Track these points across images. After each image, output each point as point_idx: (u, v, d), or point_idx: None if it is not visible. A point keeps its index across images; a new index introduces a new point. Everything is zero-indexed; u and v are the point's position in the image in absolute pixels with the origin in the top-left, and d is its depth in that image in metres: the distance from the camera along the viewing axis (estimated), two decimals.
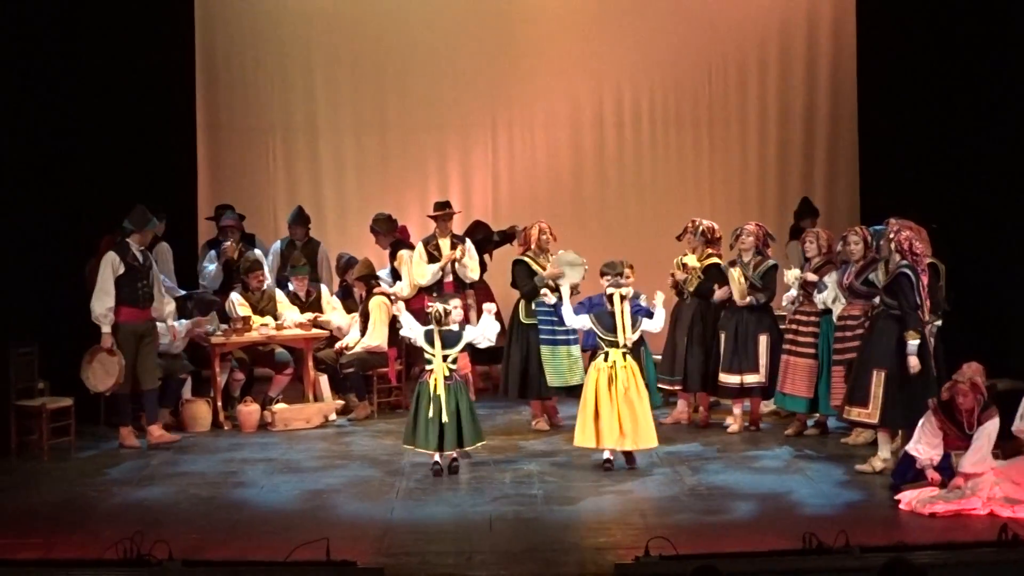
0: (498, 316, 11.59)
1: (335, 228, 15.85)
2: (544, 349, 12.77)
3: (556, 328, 12.70)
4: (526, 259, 12.91)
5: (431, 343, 10.93)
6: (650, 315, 11.41)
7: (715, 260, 12.90)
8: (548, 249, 12.89)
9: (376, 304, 13.64)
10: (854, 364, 11.15)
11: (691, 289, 12.85)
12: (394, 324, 13.08)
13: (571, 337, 12.71)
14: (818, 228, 12.89)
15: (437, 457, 10.92)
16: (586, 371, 11.57)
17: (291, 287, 13.98)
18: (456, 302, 11.32)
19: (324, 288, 14.22)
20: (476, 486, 10.61)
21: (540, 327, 12.81)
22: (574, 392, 12.53)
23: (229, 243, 14.20)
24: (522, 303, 12.92)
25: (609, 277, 11.41)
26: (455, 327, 11.04)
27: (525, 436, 12.63)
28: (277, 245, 14.78)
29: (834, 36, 16.62)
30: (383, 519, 9.68)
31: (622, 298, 11.04)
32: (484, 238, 14.91)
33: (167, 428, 12.81)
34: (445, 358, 10.90)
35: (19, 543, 8.99)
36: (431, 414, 10.82)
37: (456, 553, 8.76)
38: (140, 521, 9.24)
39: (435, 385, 10.85)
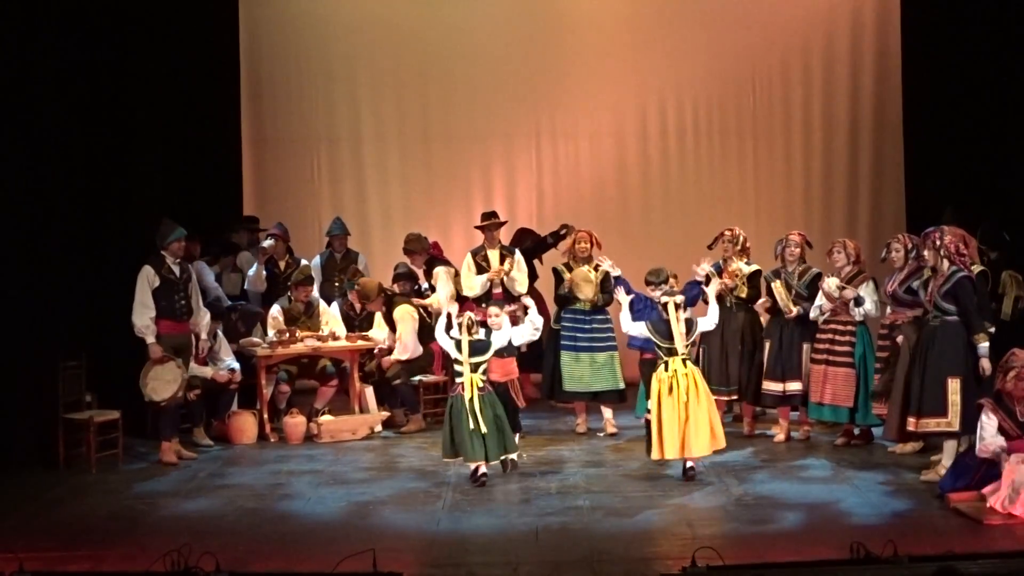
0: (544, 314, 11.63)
1: (380, 239, 15.88)
2: (564, 355, 13.04)
3: (578, 335, 12.99)
4: (559, 267, 13.20)
5: (459, 351, 10.95)
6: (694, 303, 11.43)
7: (756, 267, 12.96)
8: (586, 257, 13.03)
9: (400, 315, 13.63)
10: (910, 374, 11.04)
11: (743, 296, 12.81)
12: (424, 326, 13.17)
13: (597, 344, 12.85)
14: (844, 238, 12.81)
15: (484, 468, 10.91)
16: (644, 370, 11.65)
17: (350, 298, 13.96)
18: (495, 309, 11.42)
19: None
20: (522, 497, 10.59)
21: (562, 334, 13.07)
22: (601, 398, 12.94)
23: (271, 242, 14.30)
24: (555, 312, 13.30)
25: (654, 286, 11.42)
26: (483, 335, 11.07)
27: (571, 446, 12.61)
28: (317, 259, 14.78)
29: (878, 44, 16.58)
30: (429, 530, 9.67)
31: (676, 306, 11.02)
32: (533, 245, 14.93)
33: (214, 439, 12.96)
34: (475, 368, 10.91)
35: (68, 555, 9.01)
36: (471, 426, 10.82)
37: (502, 564, 8.72)
38: (187, 533, 9.26)
39: (469, 397, 10.86)
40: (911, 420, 10.95)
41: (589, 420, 13.32)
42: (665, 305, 11.07)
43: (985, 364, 10.63)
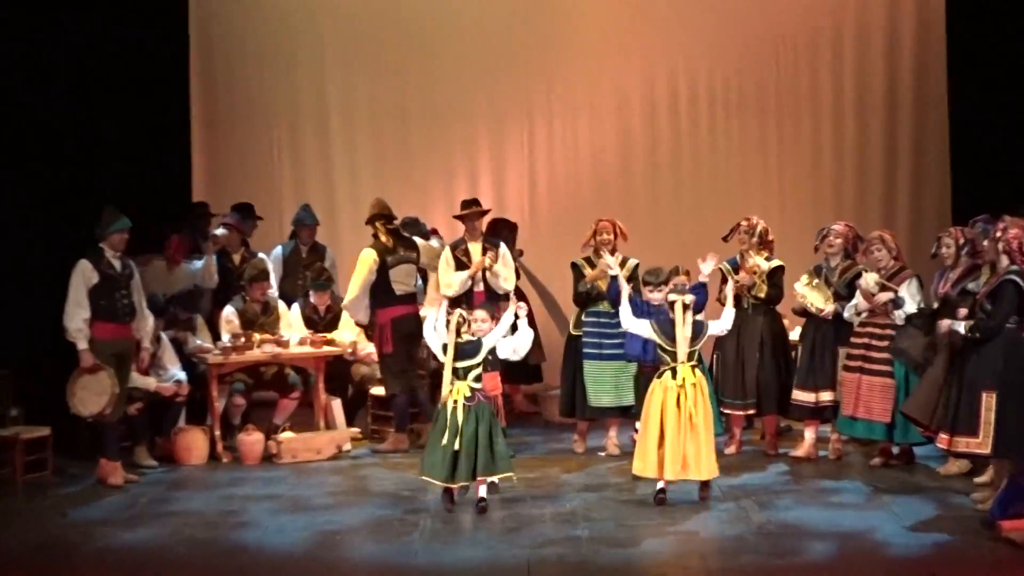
0: (532, 322, 11.50)
1: (350, 232, 15.77)
2: (588, 365, 12.98)
3: (604, 342, 12.93)
4: (579, 262, 13.13)
5: (445, 354, 10.91)
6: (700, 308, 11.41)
7: (779, 263, 12.94)
8: (610, 251, 12.89)
9: (361, 257, 13.45)
10: (949, 387, 11.02)
11: (761, 295, 12.80)
12: (379, 287, 13.27)
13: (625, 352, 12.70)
14: (880, 231, 12.71)
15: (481, 491, 10.88)
16: (640, 386, 11.63)
17: (312, 299, 14.02)
18: (482, 314, 11.21)
19: None
20: (512, 525, 10.54)
21: (585, 339, 13.02)
22: (628, 413, 12.78)
23: (223, 231, 14.34)
24: (575, 315, 13.21)
25: (653, 287, 11.40)
26: (474, 337, 11.00)
27: (568, 467, 12.61)
28: (279, 250, 14.84)
29: (919, 5, 16.57)
30: (405, 564, 9.64)
31: (685, 307, 11.00)
32: (512, 234, 14.94)
33: (159, 459, 12.94)
34: (464, 374, 10.86)
35: None
36: (445, 440, 10.78)
37: None
38: (127, 567, 9.32)
39: (453, 406, 10.82)
40: (943, 437, 10.94)
41: (587, 438, 13.33)
42: (672, 304, 11.05)
43: (944, 326, 10.78)
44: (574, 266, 13.24)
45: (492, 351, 11.10)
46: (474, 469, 10.83)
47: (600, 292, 12.92)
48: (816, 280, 12.53)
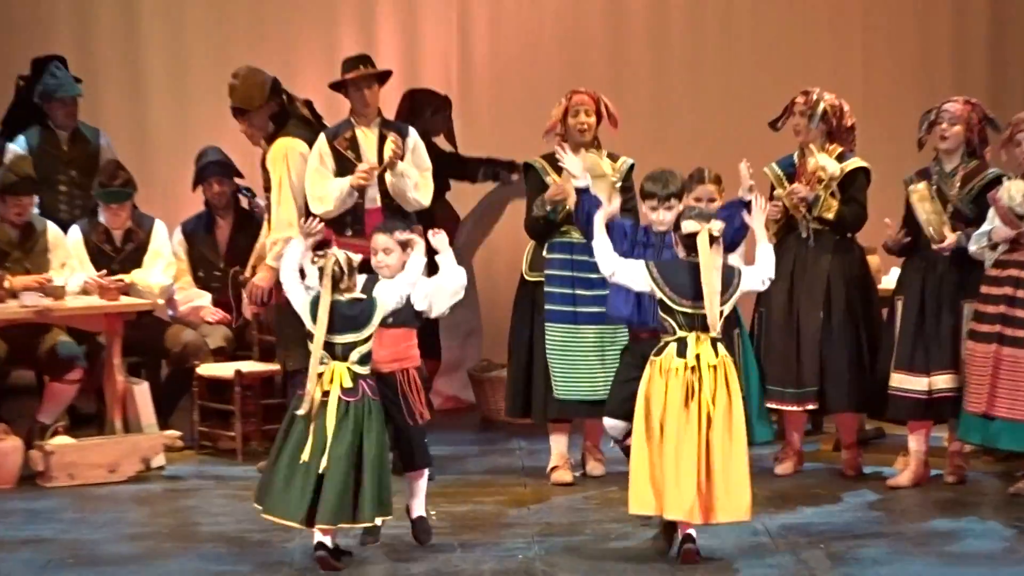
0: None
1: (166, 108, 15.90)
2: (553, 332, 12.78)
3: (579, 293, 12.69)
4: (537, 163, 12.91)
5: (314, 320, 10.50)
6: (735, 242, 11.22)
7: (860, 163, 12.71)
8: (587, 141, 12.74)
9: (279, 152, 13.18)
10: None
11: (829, 215, 12.52)
12: None
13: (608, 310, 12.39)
14: None
15: (319, 535, 10.50)
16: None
17: (102, 218, 14.07)
18: (384, 239, 10.77)
19: (159, 226, 14.26)
20: None
21: (548, 289, 12.80)
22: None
23: None
24: (530, 247, 13.01)
25: (659, 201, 11.06)
26: (363, 296, 10.62)
27: (519, 496, 12.56)
28: (22, 141, 14.72)
29: None
30: None
31: (713, 239, 10.58)
32: (437, 114, 14.88)
33: None
34: (344, 352, 10.49)
35: None
36: (306, 455, 10.38)
37: None
38: None
39: (320, 402, 10.47)
40: None
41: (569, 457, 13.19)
42: (691, 237, 10.64)
43: None
44: (528, 168, 13.04)
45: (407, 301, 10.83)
46: (355, 506, 10.46)
47: (570, 216, 12.57)
48: (922, 188, 12.36)
